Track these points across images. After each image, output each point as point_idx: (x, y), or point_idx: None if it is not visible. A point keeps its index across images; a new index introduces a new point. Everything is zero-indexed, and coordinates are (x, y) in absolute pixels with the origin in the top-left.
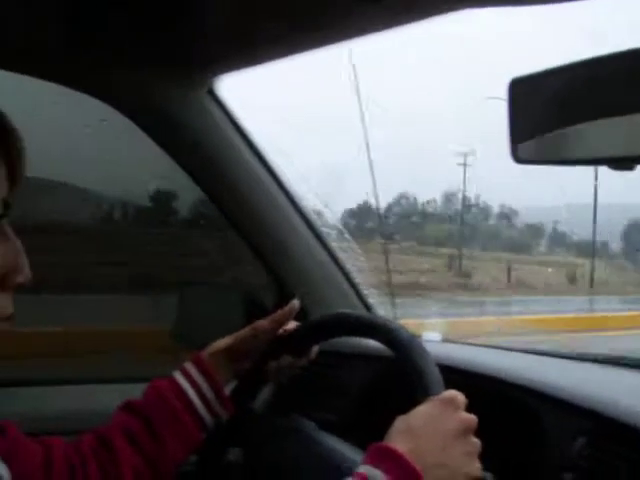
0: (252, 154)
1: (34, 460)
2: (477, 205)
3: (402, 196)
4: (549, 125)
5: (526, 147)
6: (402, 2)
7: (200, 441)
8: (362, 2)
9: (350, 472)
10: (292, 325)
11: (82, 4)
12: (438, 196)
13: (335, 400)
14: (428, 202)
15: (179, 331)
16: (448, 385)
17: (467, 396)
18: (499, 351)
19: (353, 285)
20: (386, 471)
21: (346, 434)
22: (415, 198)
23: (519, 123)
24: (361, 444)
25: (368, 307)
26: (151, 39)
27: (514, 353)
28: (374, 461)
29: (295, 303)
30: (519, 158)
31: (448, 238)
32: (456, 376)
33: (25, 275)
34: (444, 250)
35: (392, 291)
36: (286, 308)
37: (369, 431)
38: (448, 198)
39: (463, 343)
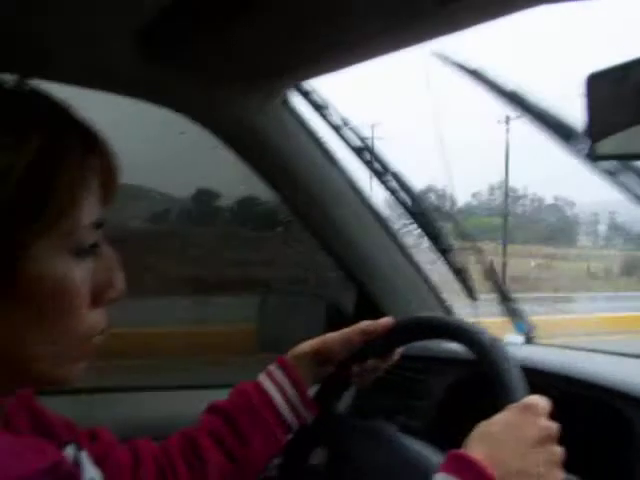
0: (327, 161)
1: (123, 462)
2: (525, 196)
3: (430, 189)
4: (629, 120)
5: (604, 143)
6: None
7: (284, 443)
8: (440, 2)
9: None
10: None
11: (160, 21)
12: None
13: (417, 404)
14: (474, 195)
15: (260, 336)
16: (532, 389)
17: (552, 399)
18: (584, 353)
19: (431, 287)
20: (462, 479)
21: (428, 438)
22: (445, 191)
23: (597, 119)
24: (444, 448)
25: (447, 309)
26: (227, 53)
27: (600, 355)
28: (450, 469)
29: (389, 320)
30: (597, 154)
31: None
32: (540, 379)
33: (118, 291)
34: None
35: (472, 292)
36: (380, 323)
37: (452, 435)
38: (492, 191)
39: (546, 345)
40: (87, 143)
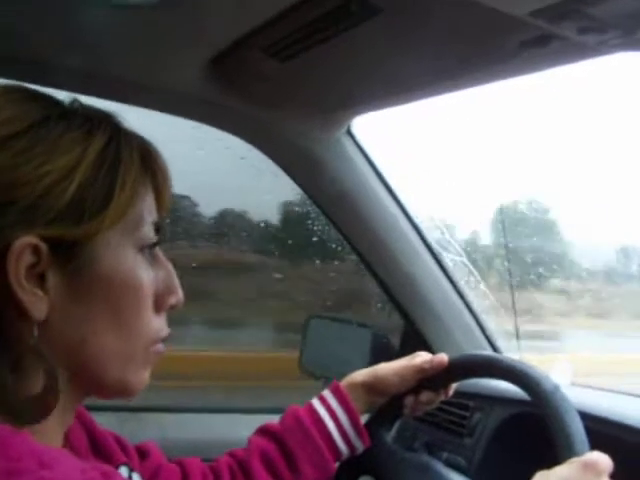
0: (386, 193)
1: (173, 478)
2: None
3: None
4: None
5: None
6: (565, 45)
7: (333, 470)
8: (520, 45)
9: None
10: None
11: (231, 51)
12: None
13: (464, 440)
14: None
15: (302, 359)
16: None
17: (606, 447)
18: (630, 397)
19: (480, 324)
20: None
21: (472, 475)
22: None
23: None
24: None
25: (494, 346)
26: (293, 83)
27: None
28: None
29: (444, 358)
30: None
31: None
32: (593, 424)
33: (177, 297)
34: None
35: (518, 329)
36: (435, 360)
37: (496, 474)
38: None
39: (595, 388)
40: (143, 150)
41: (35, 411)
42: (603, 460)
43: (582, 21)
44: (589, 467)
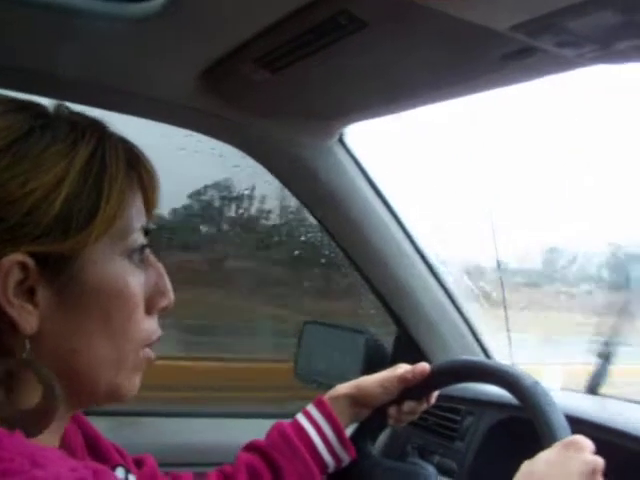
0: (379, 201)
1: None
2: None
3: None
4: None
5: None
6: (545, 58)
7: None
8: (505, 58)
9: None
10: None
11: (224, 60)
12: None
13: (454, 445)
14: None
15: (297, 364)
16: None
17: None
18: (624, 403)
19: (471, 329)
20: None
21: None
22: None
23: None
24: None
25: (486, 351)
26: (285, 92)
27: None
28: None
29: (425, 367)
30: None
31: None
32: (580, 426)
33: (168, 299)
34: None
35: (510, 335)
36: (417, 370)
37: (488, 477)
38: None
39: (584, 392)
40: (130, 154)
41: (35, 423)
42: (584, 440)
43: (560, 35)
44: (570, 445)
